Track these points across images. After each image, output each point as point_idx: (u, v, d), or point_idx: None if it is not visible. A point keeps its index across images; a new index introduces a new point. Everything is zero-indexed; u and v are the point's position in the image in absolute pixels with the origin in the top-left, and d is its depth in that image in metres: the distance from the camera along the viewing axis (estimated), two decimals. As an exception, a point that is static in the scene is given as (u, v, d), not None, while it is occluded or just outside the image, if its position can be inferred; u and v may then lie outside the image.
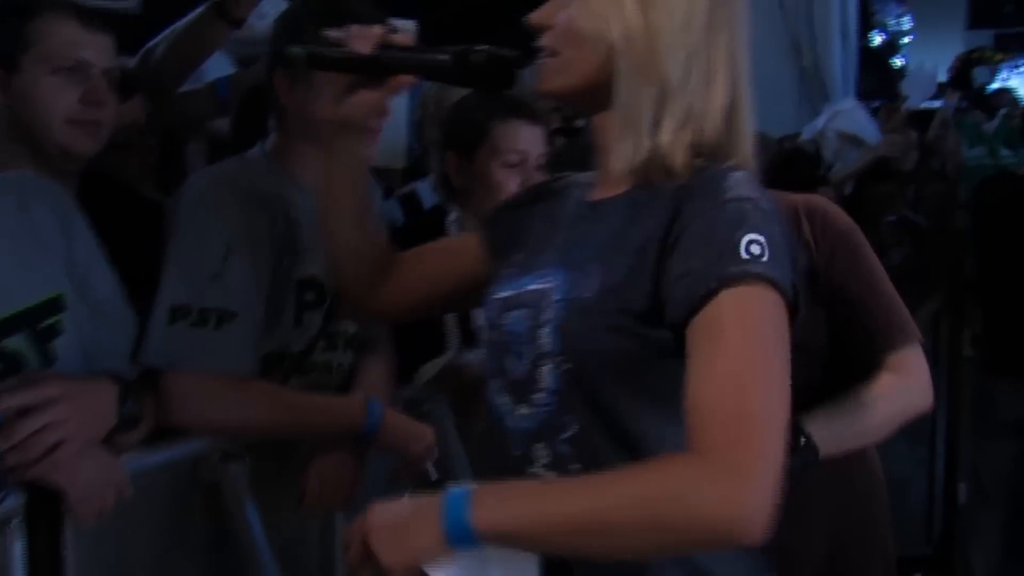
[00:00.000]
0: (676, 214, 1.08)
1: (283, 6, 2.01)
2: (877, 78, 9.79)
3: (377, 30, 1.24)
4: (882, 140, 4.71)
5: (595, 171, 1.23)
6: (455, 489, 0.99)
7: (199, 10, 2.11)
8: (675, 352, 1.04)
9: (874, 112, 5.55)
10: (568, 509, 0.97)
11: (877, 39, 11.70)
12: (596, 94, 1.17)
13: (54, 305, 1.33)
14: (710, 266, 1.02)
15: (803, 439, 1.49)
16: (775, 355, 1.01)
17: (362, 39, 1.23)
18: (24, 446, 1.20)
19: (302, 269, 1.63)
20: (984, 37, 10.76)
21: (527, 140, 2.06)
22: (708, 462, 0.95)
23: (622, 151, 1.15)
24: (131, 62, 2.18)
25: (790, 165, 3.75)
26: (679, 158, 1.13)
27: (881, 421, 1.60)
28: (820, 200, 1.75)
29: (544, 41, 1.18)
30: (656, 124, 1.13)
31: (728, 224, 1.05)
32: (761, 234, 1.04)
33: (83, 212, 1.71)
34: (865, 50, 11.36)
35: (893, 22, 11.32)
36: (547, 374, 1.12)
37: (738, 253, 1.02)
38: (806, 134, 4.74)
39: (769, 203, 1.09)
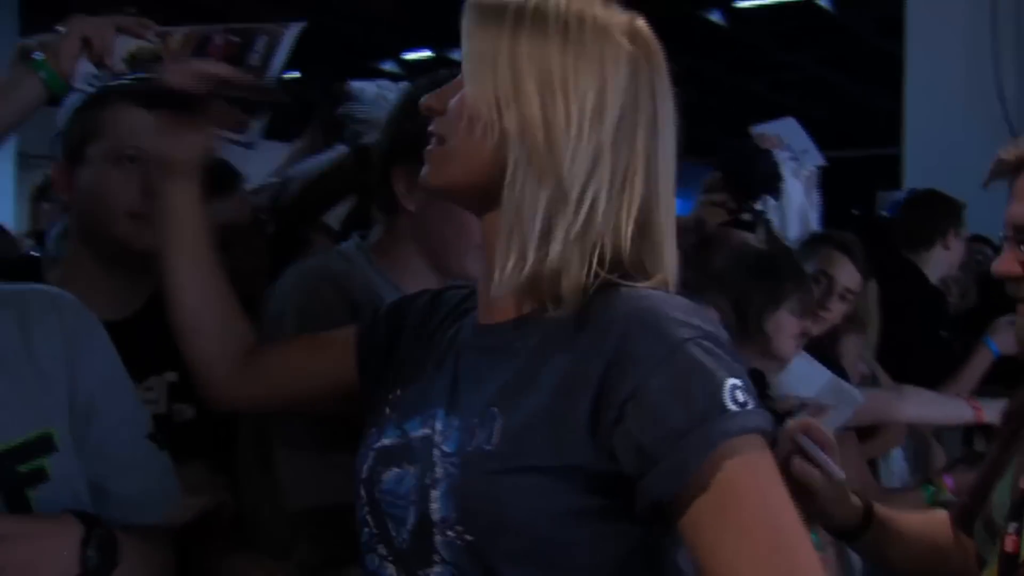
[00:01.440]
0: (616, 355, 0.92)
1: (367, 96, 1.88)
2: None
3: (198, 65, 1.22)
4: None
5: (481, 286, 1.07)
6: None
7: (340, 153, 2.01)
8: (603, 518, 0.94)
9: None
10: None
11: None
12: (486, 191, 1.01)
13: (40, 446, 1.13)
14: (699, 426, 0.89)
15: None
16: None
17: (179, 71, 1.20)
18: None
19: None
20: None
21: None
22: None
23: (505, 261, 0.98)
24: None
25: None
26: (572, 274, 0.97)
27: None
28: None
29: (435, 128, 1.05)
30: (547, 232, 0.97)
31: (701, 371, 0.90)
32: (739, 377, 0.91)
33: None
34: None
35: None
36: (441, 546, 0.95)
37: (726, 406, 0.89)
38: None
39: (720, 330, 0.95)
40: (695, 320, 0.94)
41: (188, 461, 1.32)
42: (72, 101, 1.68)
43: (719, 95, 11.33)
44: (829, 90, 12.09)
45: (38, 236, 3.30)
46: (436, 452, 0.98)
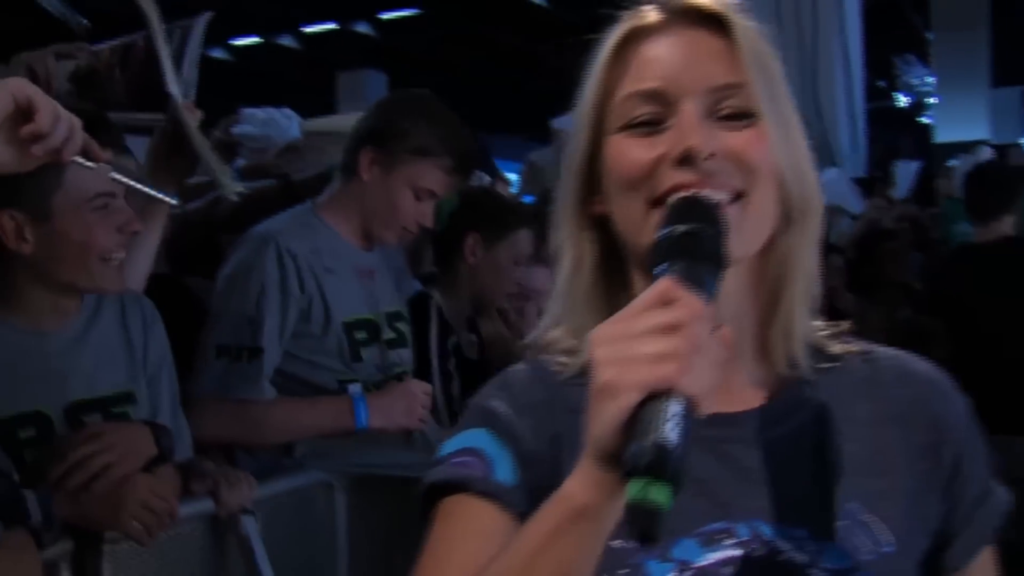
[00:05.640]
0: (927, 420, 0.89)
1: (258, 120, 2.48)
2: (909, 139, 10.09)
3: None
4: (869, 204, 5.09)
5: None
6: None
7: (271, 182, 2.46)
8: None
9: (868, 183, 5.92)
10: None
11: (903, 100, 12.03)
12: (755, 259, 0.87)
13: (128, 398, 1.72)
14: (990, 494, 0.91)
15: None
16: None
17: None
18: (78, 468, 1.51)
19: (344, 312, 2.04)
20: (1011, 94, 10.98)
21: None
22: None
23: (790, 337, 0.88)
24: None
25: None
26: (807, 333, 0.90)
27: None
28: None
29: (725, 179, 0.82)
30: (807, 291, 0.90)
31: (981, 437, 0.91)
32: None
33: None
34: (893, 112, 11.67)
35: (918, 82, 11.62)
36: None
37: (992, 471, 0.92)
38: None
39: None
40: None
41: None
42: None
43: (547, 76, 11.84)
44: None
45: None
46: (815, 571, 0.82)
